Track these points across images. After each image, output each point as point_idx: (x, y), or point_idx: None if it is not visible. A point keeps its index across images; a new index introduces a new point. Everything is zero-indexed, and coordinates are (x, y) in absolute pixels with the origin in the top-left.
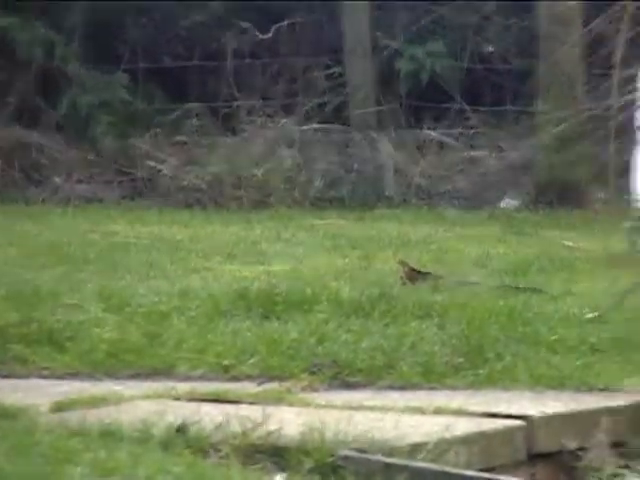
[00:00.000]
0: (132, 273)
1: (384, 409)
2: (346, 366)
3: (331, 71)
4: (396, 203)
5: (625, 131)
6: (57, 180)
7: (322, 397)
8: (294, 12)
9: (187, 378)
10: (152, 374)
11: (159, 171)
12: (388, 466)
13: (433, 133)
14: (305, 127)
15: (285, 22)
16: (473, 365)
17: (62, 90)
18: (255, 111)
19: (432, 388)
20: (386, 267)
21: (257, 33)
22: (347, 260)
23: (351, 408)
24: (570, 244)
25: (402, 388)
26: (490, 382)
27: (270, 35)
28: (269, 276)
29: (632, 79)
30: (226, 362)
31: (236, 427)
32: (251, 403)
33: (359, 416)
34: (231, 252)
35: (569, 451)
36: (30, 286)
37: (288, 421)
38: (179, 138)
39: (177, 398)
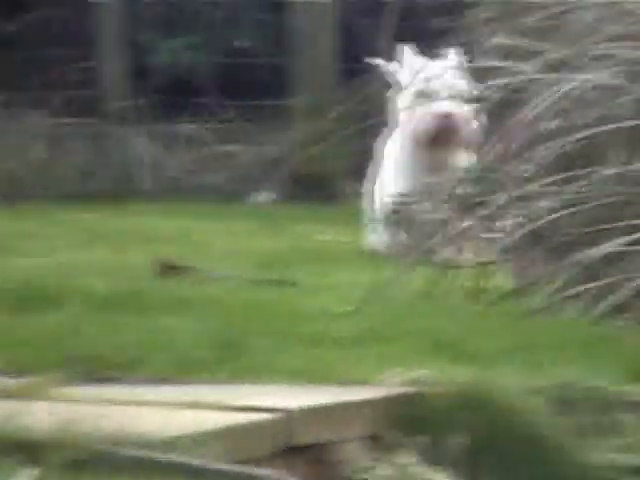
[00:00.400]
0: None
1: (139, 403)
2: (101, 360)
3: (83, 64)
4: (151, 197)
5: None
6: None
7: (76, 392)
8: (45, 3)
9: None
10: None
11: None
12: (142, 460)
13: (187, 127)
14: (58, 120)
15: (34, 13)
16: (230, 359)
17: None
18: (5, 104)
19: (188, 382)
20: (141, 261)
21: (4, 23)
22: (101, 254)
23: (106, 402)
24: (325, 238)
25: (158, 382)
26: (247, 376)
27: (18, 25)
28: (20, 270)
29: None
30: None
31: None
32: (2, 397)
33: (114, 410)
34: None
35: (325, 444)
36: None
37: (41, 416)
38: None
39: None
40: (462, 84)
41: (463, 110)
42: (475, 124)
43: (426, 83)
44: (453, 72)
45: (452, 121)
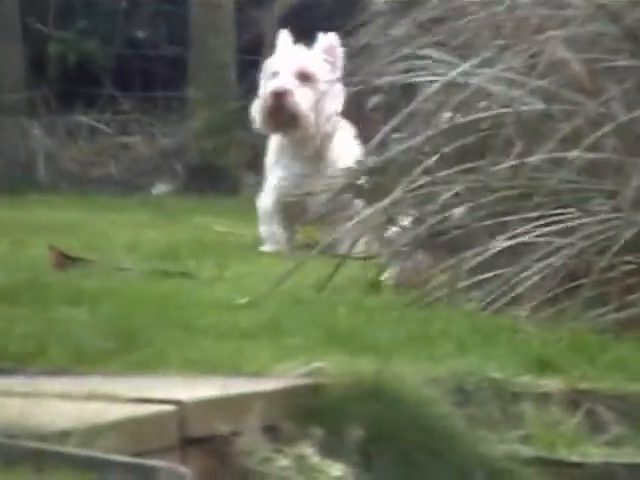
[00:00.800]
0: None
1: (35, 395)
2: None
3: None
4: (47, 189)
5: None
6: None
7: None
8: None
9: None
10: None
11: None
12: (38, 452)
13: (84, 119)
14: None
15: None
16: (125, 351)
17: None
18: None
19: (83, 374)
20: (37, 253)
21: None
22: None
23: (1, 394)
24: (221, 229)
25: (53, 374)
26: (142, 368)
27: None
28: None
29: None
30: None
31: None
32: None
33: (10, 402)
34: None
35: (221, 436)
36: None
37: None
38: None
39: None
40: (317, 65)
41: (307, 90)
42: (328, 107)
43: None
44: (316, 55)
45: (285, 100)
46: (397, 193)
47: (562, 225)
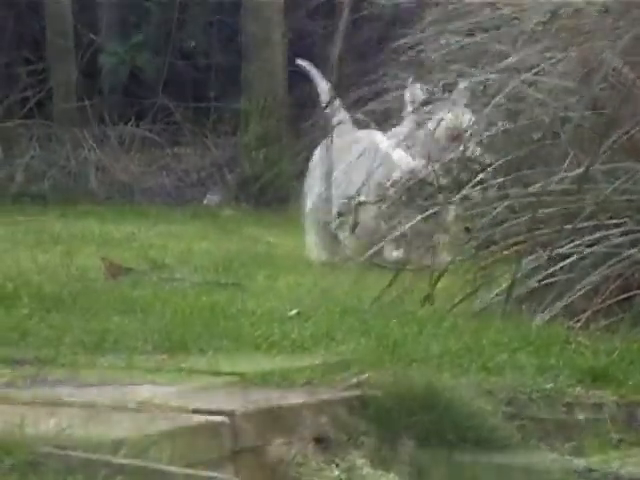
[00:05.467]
0: None
1: (86, 405)
2: (48, 362)
3: (33, 67)
4: (99, 200)
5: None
6: None
7: (23, 393)
8: None
9: None
10: None
11: None
12: (89, 462)
13: (136, 129)
14: (6, 123)
15: None
16: (176, 360)
17: None
18: None
19: (135, 384)
20: (89, 263)
21: None
22: (49, 256)
23: (53, 404)
24: (271, 241)
25: (105, 384)
26: (193, 378)
27: None
28: None
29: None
30: None
31: None
32: None
33: (61, 412)
34: None
35: (273, 446)
36: None
37: None
38: None
39: None
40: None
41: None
42: None
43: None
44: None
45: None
46: (450, 203)
47: (616, 236)
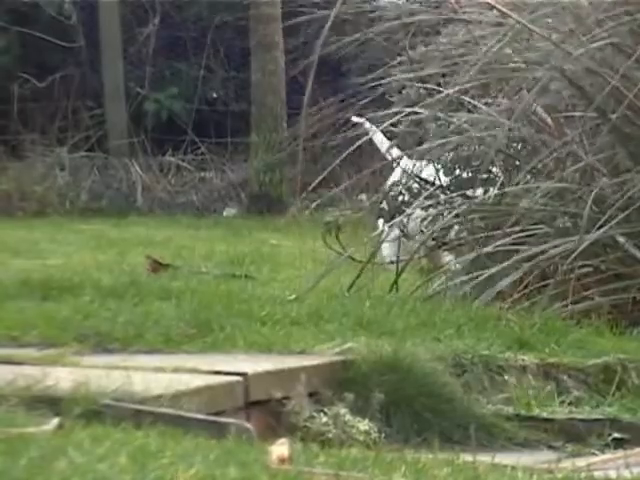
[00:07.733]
0: None
1: (135, 369)
2: (106, 336)
3: (94, 112)
4: (144, 212)
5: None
6: None
7: (87, 360)
8: (65, 65)
9: None
10: None
11: None
12: (138, 412)
13: (172, 159)
14: (74, 155)
15: (58, 75)
16: (202, 335)
17: None
18: (36, 142)
19: (171, 352)
20: (136, 261)
21: (35, 82)
22: (106, 256)
23: (110, 368)
24: (275, 242)
25: (148, 352)
26: (215, 348)
27: (46, 84)
28: (46, 267)
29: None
30: (14, 333)
31: (22, 382)
32: (33, 364)
33: (116, 374)
34: (16, 250)
35: (276, 400)
36: None
37: (62, 378)
38: None
39: None
40: None
41: None
42: None
43: None
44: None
45: None
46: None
47: (535, 237)
